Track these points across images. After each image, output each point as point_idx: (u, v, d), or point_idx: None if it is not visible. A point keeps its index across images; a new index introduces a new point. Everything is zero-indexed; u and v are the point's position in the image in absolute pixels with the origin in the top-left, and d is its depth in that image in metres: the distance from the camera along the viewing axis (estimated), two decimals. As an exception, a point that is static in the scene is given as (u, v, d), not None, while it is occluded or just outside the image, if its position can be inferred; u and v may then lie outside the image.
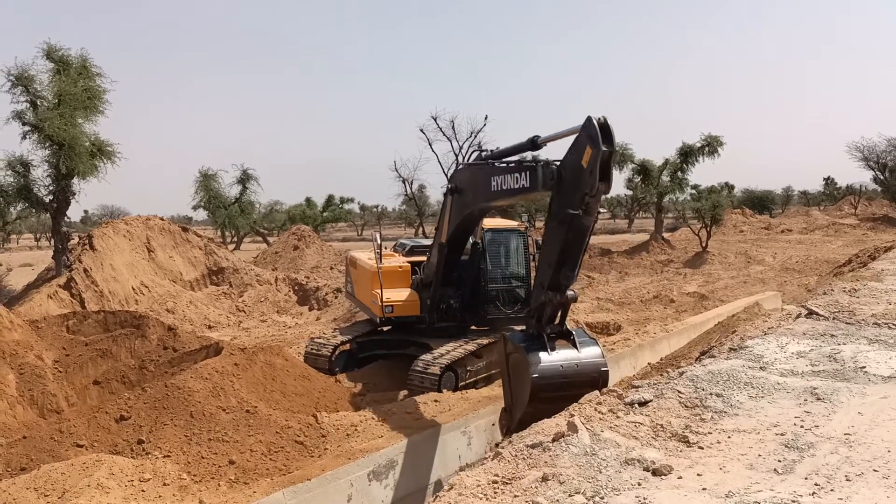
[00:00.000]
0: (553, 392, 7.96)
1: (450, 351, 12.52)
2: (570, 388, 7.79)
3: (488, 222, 13.76)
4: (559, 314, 8.53)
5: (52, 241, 25.05)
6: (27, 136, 21.87)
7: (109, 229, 23.64)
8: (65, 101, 21.72)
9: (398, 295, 13.60)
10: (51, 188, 22.84)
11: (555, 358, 8.19)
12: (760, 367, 7.26)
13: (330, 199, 61.61)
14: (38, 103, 22.04)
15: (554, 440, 5.38)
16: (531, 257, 13.57)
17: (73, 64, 22.54)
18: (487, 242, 13.52)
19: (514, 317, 13.43)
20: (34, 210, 25.98)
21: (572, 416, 5.90)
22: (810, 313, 9.93)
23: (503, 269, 13.83)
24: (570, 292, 8.36)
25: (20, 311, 16.88)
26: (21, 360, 10.85)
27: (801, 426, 5.58)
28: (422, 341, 13.33)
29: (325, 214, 59.55)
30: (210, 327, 20.92)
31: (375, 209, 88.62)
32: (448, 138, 39.55)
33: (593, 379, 8.09)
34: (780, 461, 4.95)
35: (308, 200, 60.65)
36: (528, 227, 13.77)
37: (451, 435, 9.37)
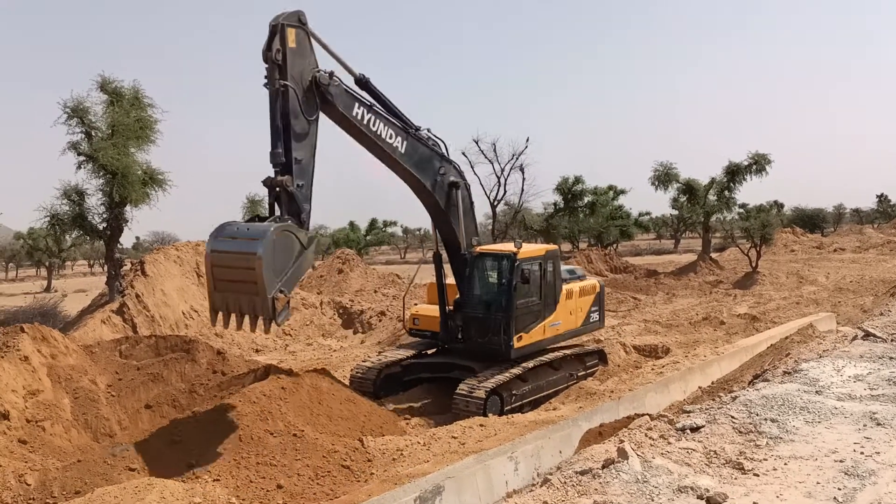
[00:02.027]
0: (222, 249, 9.10)
1: (495, 374, 12.45)
2: (234, 253, 8.90)
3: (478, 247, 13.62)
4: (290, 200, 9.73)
5: (106, 268, 25.71)
6: (82, 166, 22.61)
7: (160, 255, 24.16)
8: (118, 132, 22.39)
9: (428, 310, 14.23)
10: (104, 216, 23.53)
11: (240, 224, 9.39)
12: (816, 392, 7.07)
13: (373, 222, 62.10)
14: (93, 134, 22.76)
15: (604, 467, 5.30)
16: (514, 286, 12.72)
17: (126, 95, 23.25)
18: (471, 266, 13.38)
19: (486, 348, 13.07)
20: (88, 237, 26.73)
21: (622, 441, 5.81)
22: (867, 335, 9.65)
23: (479, 295, 13.52)
24: (284, 177, 9.55)
25: (75, 336, 17.33)
26: (76, 384, 11.11)
27: (861, 453, 5.41)
28: (466, 364, 13.26)
29: (368, 238, 59.96)
30: (257, 351, 21.17)
31: (418, 232, 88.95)
32: (490, 160, 39.73)
33: (252, 242, 8.74)
34: (839, 489, 4.80)
35: (352, 224, 61.31)
36: (519, 249, 13.20)
37: (497, 460, 9.25)
